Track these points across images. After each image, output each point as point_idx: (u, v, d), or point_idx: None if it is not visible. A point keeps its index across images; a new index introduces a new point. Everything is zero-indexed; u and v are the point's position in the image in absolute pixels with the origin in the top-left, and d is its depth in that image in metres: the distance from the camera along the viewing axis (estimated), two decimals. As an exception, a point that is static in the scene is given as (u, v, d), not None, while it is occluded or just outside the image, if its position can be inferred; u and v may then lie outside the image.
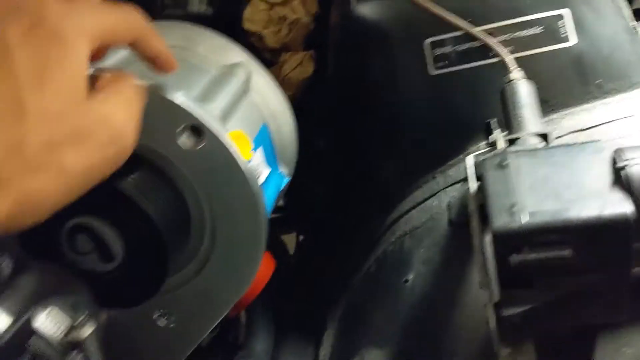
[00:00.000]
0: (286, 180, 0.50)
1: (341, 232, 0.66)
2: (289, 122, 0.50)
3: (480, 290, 0.42)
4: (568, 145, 0.35)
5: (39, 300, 0.36)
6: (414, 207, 0.53)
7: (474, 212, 0.38)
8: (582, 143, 0.35)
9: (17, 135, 0.27)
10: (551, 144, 0.38)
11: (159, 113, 0.37)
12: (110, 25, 0.32)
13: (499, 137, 0.43)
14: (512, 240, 0.32)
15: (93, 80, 0.32)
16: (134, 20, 0.34)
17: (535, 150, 0.35)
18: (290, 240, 0.80)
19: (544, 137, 0.40)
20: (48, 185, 0.28)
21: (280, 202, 0.67)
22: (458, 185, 0.51)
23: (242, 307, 0.58)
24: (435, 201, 0.52)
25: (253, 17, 0.66)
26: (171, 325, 0.44)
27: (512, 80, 0.43)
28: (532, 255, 0.31)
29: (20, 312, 0.35)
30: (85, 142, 0.29)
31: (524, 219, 0.32)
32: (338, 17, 0.61)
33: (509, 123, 0.42)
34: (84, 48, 0.29)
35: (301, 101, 0.69)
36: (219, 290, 0.42)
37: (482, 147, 0.52)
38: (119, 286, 0.39)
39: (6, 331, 0.34)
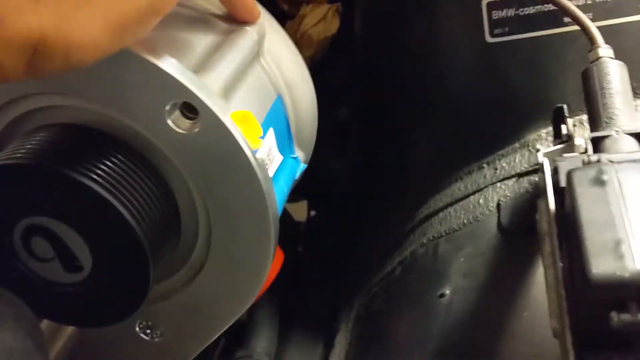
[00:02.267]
0: (302, 166, 0.41)
1: (362, 217, 0.57)
2: (309, 94, 0.41)
3: (538, 321, 0.34)
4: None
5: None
6: (451, 204, 0.44)
7: (549, 227, 0.29)
8: None
9: None
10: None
11: (145, 84, 0.28)
12: None
13: (577, 130, 0.34)
14: (616, 293, 0.23)
15: None
16: None
17: (645, 161, 0.26)
18: (298, 210, 0.72)
19: (642, 138, 0.31)
20: (82, 9, 0.24)
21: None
22: (511, 182, 0.42)
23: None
24: (481, 198, 0.43)
25: (270, -39, 0.56)
26: (156, 340, 0.36)
27: (600, 58, 0.34)
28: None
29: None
30: None
31: (636, 264, 0.23)
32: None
33: (594, 114, 0.33)
34: None
35: (321, 63, 0.59)
36: (214, 304, 0.34)
37: (543, 135, 0.43)
38: (88, 302, 0.31)
39: None
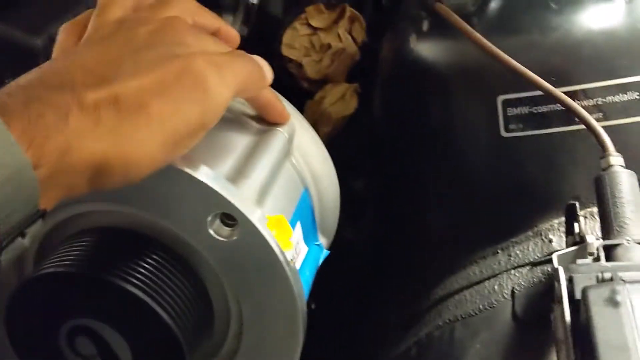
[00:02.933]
0: (325, 253, 0.43)
1: (375, 291, 0.59)
2: (333, 186, 0.43)
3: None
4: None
5: None
6: (467, 287, 0.46)
7: (565, 336, 0.31)
8: None
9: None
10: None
11: (186, 195, 0.31)
12: (245, 81, 0.32)
13: (588, 222, 0.36)
14: (631, 417, 0.24)
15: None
16: (263, 72, 0.35)
17: (656, 283, 0.28)
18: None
19: (652, 248, 0.33)
20: (139, 129, 0.27)
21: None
22: (525, 270, 0.44)
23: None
24: (496, 285, 0.45)
25: (293, 43, 0.59)
26: None
27: (611, 166, 0.36)
28: None
29: None
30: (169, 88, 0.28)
31: (649, 389, 0.24)
32: (392, 52, 0.54)
33: (606, 221, 0.35)
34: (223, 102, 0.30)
35: (338, 136, 0.62)
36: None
37: (555, 225, 0.45)
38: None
39: None
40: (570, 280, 0.31)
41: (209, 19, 0.36)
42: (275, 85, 0.47)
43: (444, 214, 0.51)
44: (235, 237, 0.31)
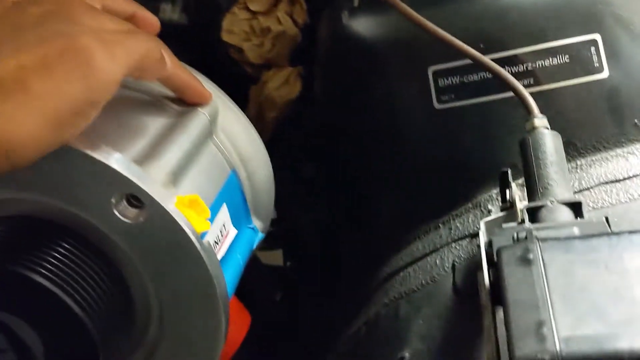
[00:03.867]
0: (260, 236, 0.42)
1: (332, 272, 0.58)
2: (264, 166, 0.42)
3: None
4: (615, 234, 0.27)
5: None
6: (411, 264, 0.45)
7: (486, 301, 0.30)
8: (634, 232, 0.26)
9: None
10: (588, 225, 0.29)
11: (89, 178, 0.30)
12: (140, 59, 0.30)
13: (517, 199, 0.35)
14: (539, 375, 0.24)
15: None
16: (162, 53, 0.33)
17: (569, 239, 0.27)
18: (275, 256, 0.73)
19: (575, 207, 0.32)
20: (19, 109, 0.26)
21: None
22: (465, 242, 0.43)
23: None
24: (437, 259, 0.44)
25: (232, 28, 0.58)
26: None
27: (535, 128, 0.35)
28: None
29: None
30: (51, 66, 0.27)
31: (557, 346, 0.24)
32: (327, 31, 0.53)
33: (530, 184, 0.34)
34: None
35: (285, 123, 0.61)
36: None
37: (494, 196, 0.44)
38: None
39: None
40: (490, 244, 0.31)
41: (121, 3, 0.35)
42: (218, 71, 0.46)
43: (388, 193, 0.50)
44: (141, 219, 0.30)
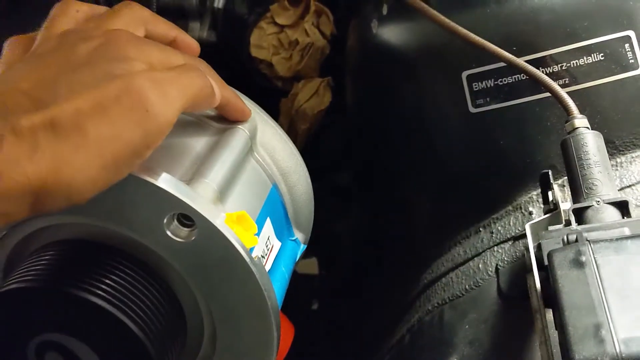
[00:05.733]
0: (302, 247, 0.42)
1: (369, 280, 0.58)
2: (304, 179, 0.42)
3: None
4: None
5: None
6: (453, 269, 0.45)
7: (538, 305, 0.30)
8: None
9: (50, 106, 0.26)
10: (638, 225, 0.29)
11: (141, 200, 0.30)
12: (193, 97, 0.30)
13: (560, 199, 0.35)
14: (600, 378, 0.24)
15: None
16: (213, 88, 0.33)
17: (621, 240, 0.27)
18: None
19: (622, 206, 0.32)
20: (78, 153, 0.26)
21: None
22: (507, 245, 0.43)
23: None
24: (480, 263, 0.44)
25: (261, 43, 0.59)
26: None
27: (576, 129, 0.35)
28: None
29: None
30: (108, 109, 0.27)
31: (616, 348, 0.24)
32: (357, 41, 0.54)
33: (574, 185, 0.34)
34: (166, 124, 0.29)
35: (319, 131, 0.61)
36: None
37: (534, 197, 0.44)
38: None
39: None
40: (539, 248, 0.31)
41: (164, 28, 0.35)
42: (248, 86, 0.47)
43: (424, 199, 0.50)
44: (193, 237, 0.30)
